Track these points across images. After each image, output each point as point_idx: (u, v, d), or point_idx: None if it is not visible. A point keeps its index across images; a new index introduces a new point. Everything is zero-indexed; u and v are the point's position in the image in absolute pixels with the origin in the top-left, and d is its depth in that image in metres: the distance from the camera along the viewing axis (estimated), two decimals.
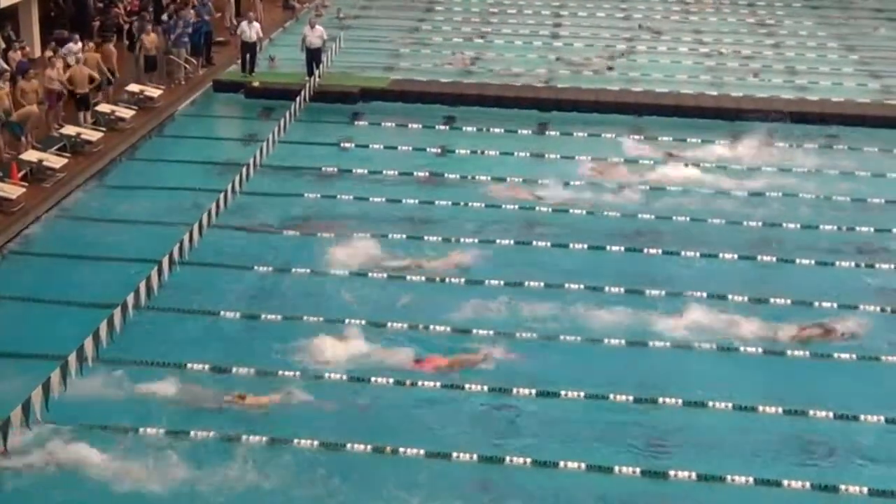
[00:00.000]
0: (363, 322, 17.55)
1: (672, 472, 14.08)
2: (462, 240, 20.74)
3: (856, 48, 36.25)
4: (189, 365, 16.23)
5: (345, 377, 16.07)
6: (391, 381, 15.98)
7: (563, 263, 19.89)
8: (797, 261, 20.27)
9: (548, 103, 29.08)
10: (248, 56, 30.22)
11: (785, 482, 13.95)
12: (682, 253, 20.42)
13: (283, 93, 28.36)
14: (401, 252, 20.15)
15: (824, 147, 26.73)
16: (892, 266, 20.12)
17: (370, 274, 19.30)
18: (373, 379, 16.00)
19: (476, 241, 20.77)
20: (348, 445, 14.47)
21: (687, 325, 17.71)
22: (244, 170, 22.60)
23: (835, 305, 18.47)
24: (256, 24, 30.56)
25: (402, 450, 14.38)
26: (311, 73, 29.57)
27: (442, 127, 27.64)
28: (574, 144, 26.45)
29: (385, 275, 19.30)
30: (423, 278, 19.24)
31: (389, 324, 17.58)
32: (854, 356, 16.97)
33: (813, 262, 20.23)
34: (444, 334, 17.40)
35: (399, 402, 15.60)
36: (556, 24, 38.87)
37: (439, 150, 25.84)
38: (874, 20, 40.19)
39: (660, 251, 20.47)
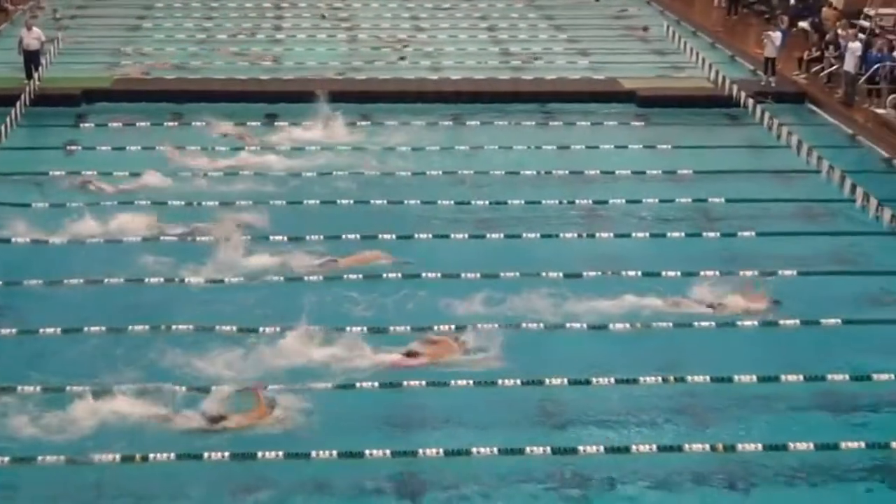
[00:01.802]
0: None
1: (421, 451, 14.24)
2: None
3: (564, 27, 37.41)
4: None
5: None
6: None
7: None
8: (523, 235, 20.77)
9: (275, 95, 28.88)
10: None
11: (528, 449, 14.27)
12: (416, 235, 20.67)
13: (1, 98, 27.08)
14: None
15: (541, 124, 27.54)
16: (612, 234, 20.84)
17: (106, 280, 18.68)
18: None
19: None
20: None
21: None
22: None
23: (561, 275, 18.93)
24: None
25: None
26: (30, 77, 28.36)
27: (171, 124, 27.03)
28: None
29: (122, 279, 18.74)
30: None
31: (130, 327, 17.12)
32: (585, 326, 17.42)
33: (538, 234, 20.78)
34: None
35: None
36: (278, 17, 38.62)
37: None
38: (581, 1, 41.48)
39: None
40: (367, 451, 14.11)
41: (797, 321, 17.33)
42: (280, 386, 15.38)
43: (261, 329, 16.92)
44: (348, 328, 16.74)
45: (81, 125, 27.02)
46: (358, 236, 20.32)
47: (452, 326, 16.98)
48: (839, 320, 17.40)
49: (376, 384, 15.64)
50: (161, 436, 14.35)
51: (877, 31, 30.16)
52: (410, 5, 40.31)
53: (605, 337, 17.06)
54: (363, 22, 37.88)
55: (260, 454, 14.01)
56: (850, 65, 28.04)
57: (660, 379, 15.78)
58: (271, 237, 20.21)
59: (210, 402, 14.90)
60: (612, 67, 31.98)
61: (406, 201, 22.16)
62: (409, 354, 16.36)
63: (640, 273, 19.03)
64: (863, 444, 14.31)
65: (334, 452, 14.08)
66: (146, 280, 18.62)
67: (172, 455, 13.94)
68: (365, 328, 16.86)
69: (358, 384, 15.61)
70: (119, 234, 20.32)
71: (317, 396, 15.19)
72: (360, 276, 18.80)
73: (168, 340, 16.51)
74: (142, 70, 31.15)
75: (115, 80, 29.61)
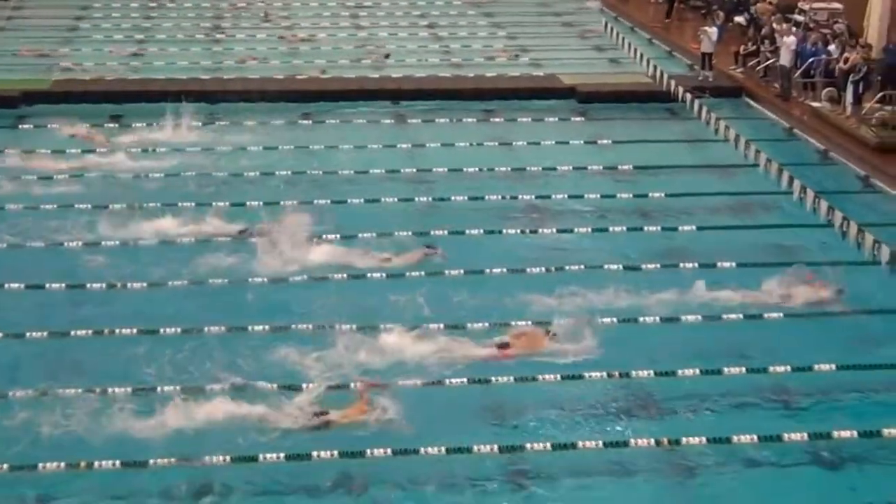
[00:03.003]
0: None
1: None
2: None
3: (504, 25, 37.34)
4: None
5: None
6: None
7: None
8: (466, 232, 20.61)
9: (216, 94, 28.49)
10: None
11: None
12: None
13: None
14: None
15: (482, 121, 27.43)
16: (554, 230, 20.75)
17: (48, 285, 18.27)
18: None
19: None
20: None
21: None
22: None
23: (504, 270, 18.85)
24: None
25: None
26: None
27: (111, 125, 26.58)
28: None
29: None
30: None
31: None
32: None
33: (482, 231, 20.63)
34: None
35: None
36: (217, 17, 38.26)
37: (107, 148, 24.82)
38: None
39: None
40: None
41: (740, 315, 17.30)
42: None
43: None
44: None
45: (20, 127, 26.57)
46: None
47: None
48: (780, 314, 17.41)
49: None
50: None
51: (811, 25, 30.33)
52: (350, 4, 40.11)
53: None
54: (303, 21, 37.60)
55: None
56: (785, 59, 28.17)
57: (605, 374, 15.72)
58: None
59: (308, 399, 14.66)
60: (552, 64, 31.95)
61: (349, 200, 21.93)
62: (502, 346, 16.28)
63: (583, 267, 18.97)
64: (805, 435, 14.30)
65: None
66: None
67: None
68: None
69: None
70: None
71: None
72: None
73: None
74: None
75: (54, 82, 29.15)
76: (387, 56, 32.98)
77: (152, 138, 25.40)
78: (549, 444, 14.07)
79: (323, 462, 13.65)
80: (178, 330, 16.65)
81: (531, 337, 16.45)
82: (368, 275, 18.63)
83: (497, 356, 16.08)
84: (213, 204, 21.16)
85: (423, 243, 19.84)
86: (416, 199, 22.13)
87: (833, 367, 15.88)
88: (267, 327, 16.73)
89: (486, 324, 16.90)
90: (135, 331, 16.61)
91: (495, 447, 13.98)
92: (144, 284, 18.21)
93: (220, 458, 13.59)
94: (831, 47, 27.91)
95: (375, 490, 13.33)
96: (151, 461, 13.51)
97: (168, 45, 34.04)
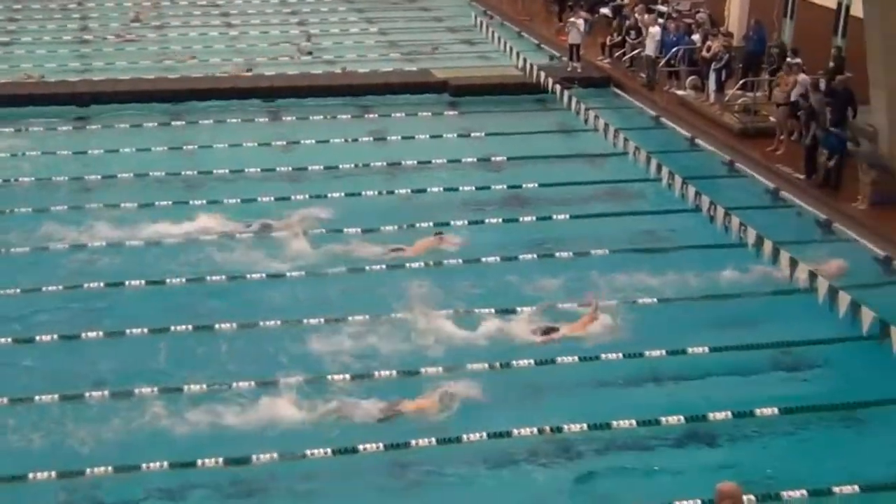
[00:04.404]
0: None
1: None
2: None
3: (375, 20, 37.18)
4: None
5: None
6: None
7: None
8: (344, 229, 20.28)
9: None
10: None
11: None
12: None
13: None
14: None
15: (356, 117, 27.24)
16: (431, 223, 20.65)
17: None
18: None
19: None
20: None
21: None
22: None
23: (384, 268, 18.73)
24: None
25: None
26: None
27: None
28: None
29: None
30: None
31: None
32: None
33: (359, 229, 20.38)
34: None
35: None
36: (82, 17, 37.42)
37: None
38: None
39: None
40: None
41: (614, 302, 17.42)
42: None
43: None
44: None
45: None
46: None
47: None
48: (655, 299, 17.59)
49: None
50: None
51: (674, 15, 30.74)
52: (220, 2, 39.57)
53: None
54: (173, 20, 36.96)
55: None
56: (650, 49, 28.53)
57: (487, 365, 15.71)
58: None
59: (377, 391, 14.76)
60: (424, 58, 31.88)
61: (225, 200, 21.56)
62: (549, 331, 16.44)
63: (461, 261, 18.93)
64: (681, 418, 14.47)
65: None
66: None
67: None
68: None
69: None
70: None
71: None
72: None
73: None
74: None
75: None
76: (309, 53, 32.68)
77: (20, 144, 24.73)
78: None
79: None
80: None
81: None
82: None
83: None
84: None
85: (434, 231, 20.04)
86: (293, 197, 21.84)
87: (706, 349, 16.11)
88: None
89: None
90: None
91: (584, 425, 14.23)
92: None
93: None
94: (694, 36, 28.33)
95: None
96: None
97: (34, 48, 33.18)
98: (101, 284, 17.91)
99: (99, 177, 22.89)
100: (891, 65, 21.25)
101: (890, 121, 21.36)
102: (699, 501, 12.51)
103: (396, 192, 22.19)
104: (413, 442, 13.81)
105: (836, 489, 12.94)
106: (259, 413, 14.29)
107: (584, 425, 14.20)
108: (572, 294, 17.60)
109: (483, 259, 18.97)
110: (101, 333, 16.40)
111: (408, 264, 18.82)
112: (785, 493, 12.87)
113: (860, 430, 14.44)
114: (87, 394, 14.83)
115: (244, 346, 16.17)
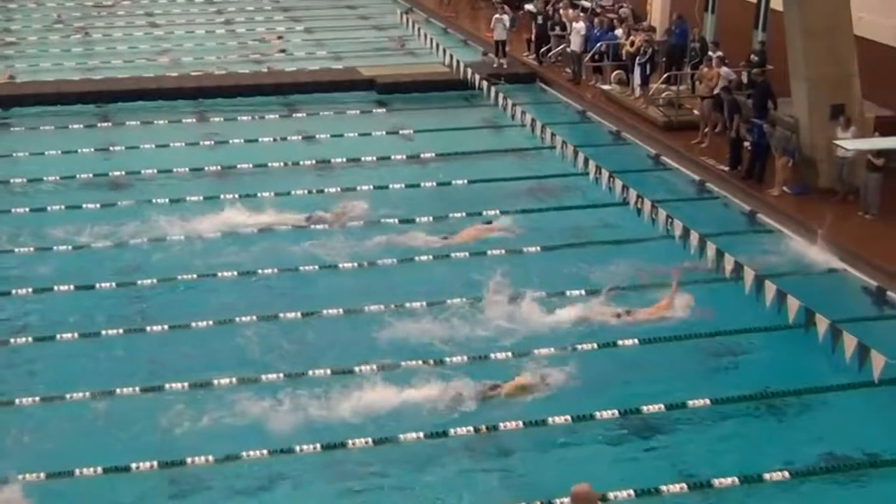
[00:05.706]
0: None
1: None
2: None
3: (301, 19, 36.93)
4: None
5: None
6: None
7: None
8: (275, 228, 20.18)
9: None
10: None
11: None
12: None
13: None
14: None
15: (284, 116, 27.02)
16: (363, 223, 20.47)
17: None
18: None
19: None
20: None
21: None
22: None
23: (317, 268, 18.62)
24: None
25: None
26: None
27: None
28: None
29: None
30: None
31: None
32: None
33: (290, 227, 20.24)
34: None
35: None
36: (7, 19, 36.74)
37: None
38: None
39: None
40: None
41: (542, 293, 17.39)
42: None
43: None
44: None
45: None
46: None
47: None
48: (583, 291, 17.61)
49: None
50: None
51: (598, 10, 30.85)
52: (144, 2, 39.09)
53: None
54: (97, 22, 36.43)
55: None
56: (575, 44, 28.59)
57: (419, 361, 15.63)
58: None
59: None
60: (350, 57, 31.74)
61: (154, 200, 21.27)
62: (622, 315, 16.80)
63: (395, 261, 18.83)
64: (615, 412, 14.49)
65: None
66: None
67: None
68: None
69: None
70: None
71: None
72: None
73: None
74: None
75: None
76: (283, 50, 32.38)
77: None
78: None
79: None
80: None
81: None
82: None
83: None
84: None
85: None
86: (222, 196, 21.56)
87: (635, 341, 16.16)
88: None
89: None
90: None
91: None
92: None
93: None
94: (618, 31, 28.46)
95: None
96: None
97: None
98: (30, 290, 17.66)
99: (24, 180, 22.47)
100: (810, 57, 21.49)
101: (810, 112, 21.59)
102: (632, 491, 12.56)
103: (326, 190, 22.00)
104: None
105: (766, 476, 13.06)
106: (348, 401, 14.43)
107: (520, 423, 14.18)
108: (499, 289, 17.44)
109: (416, 259, 18.88)
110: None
111: (340, 264, 18.68)
112: (716, 481, 12.96)
113: (788, 418, 14.56)
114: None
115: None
